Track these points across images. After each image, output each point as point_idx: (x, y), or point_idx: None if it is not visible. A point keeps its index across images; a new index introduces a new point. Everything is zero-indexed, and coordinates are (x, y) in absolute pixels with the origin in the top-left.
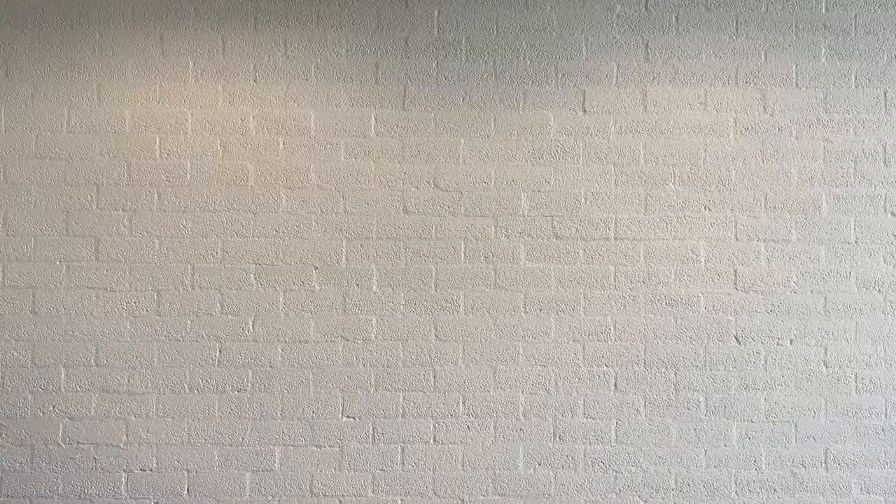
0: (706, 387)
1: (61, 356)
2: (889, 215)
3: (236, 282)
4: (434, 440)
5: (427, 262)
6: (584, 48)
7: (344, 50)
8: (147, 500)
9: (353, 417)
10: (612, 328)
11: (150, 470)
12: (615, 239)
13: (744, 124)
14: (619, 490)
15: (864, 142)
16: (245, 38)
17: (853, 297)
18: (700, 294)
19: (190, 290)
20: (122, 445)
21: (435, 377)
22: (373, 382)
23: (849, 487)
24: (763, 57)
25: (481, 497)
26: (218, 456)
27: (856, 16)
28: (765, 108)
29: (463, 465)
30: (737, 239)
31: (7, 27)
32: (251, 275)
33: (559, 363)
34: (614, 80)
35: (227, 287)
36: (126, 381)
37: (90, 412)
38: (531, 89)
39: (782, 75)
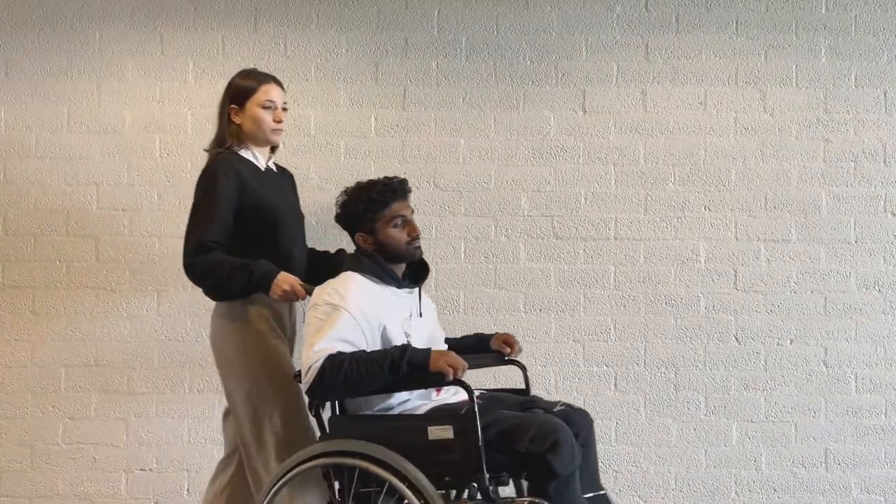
0: (706, 387)
1: (61, 356)
2: (889, 215)
3: None
4: None
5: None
6: (584, 48)
7: (344, 50)
8: (147, 500)
9: None
10: (612, 328)
11: (150, 470)
12: (615, 239)
13: (744, 124)
14: (619, 490)
15: (864, 142)
16: (245, 38)
17: (853, 297)
18: (700, 294)
19: (190, 290)
20: (122, 445)
21: None
22: None
23: (849, 487)
24: (763, 57)
25: None
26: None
27: (856, 16)
28: (765, 108)
29: None
30: (737, 239)
31: (7, 27)
32: None
33: (559, 363)
34: (614, 80)
35: None
36: (126, 381)
37: (90, 412)
38: (531, 89)
39: (782, 75)
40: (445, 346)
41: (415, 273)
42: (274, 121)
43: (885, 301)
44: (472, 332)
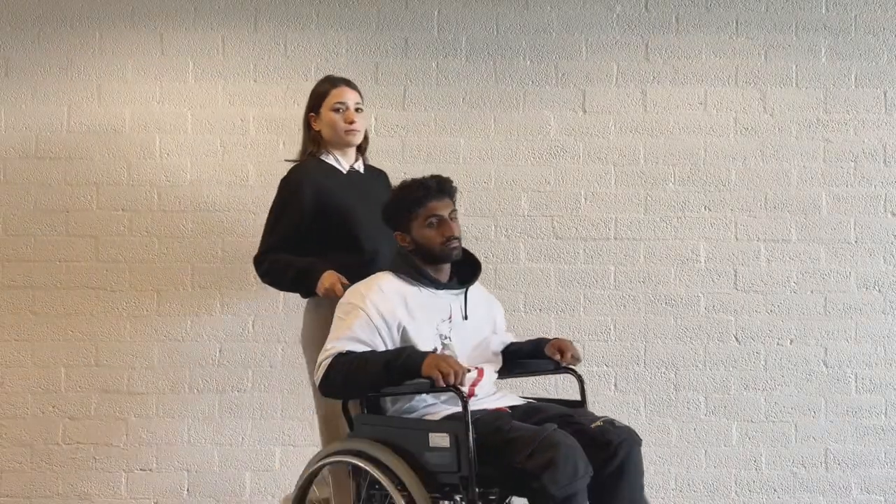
0: (706, 387)
1: (61, 356)
2: (889, 215)
3: (236, 282)
4: None
5: None
6: (584, 48)
7: (344, 50)
8: (147, 500)
9: None
10: (612, 328)
11: (150, 470)
12: (615, 239)
13: (744, 124)
14: None
15: (864, 142)
16: (245, 38)
17: (853, 297)
18: (700, 294)
19: (190, 290)
20: (122, 445)
21: None
22: None
23: (849, 487)
24: (763, 57)
25: None
26: (218, 456)
27: (856, 16)
28: (765, 108)
29: None
30: (737, 239)
31: (7, 27)
32: (251, 275)
33: None
34: (614, 80)
35: (227, 287)
36: (126, 381)
37: (90, 412)
38: (531, 89)
39: (782, 75)
40: (497, 351)
41: (465, 274)
42: (345, 122)
43: (885, 301)
44: None
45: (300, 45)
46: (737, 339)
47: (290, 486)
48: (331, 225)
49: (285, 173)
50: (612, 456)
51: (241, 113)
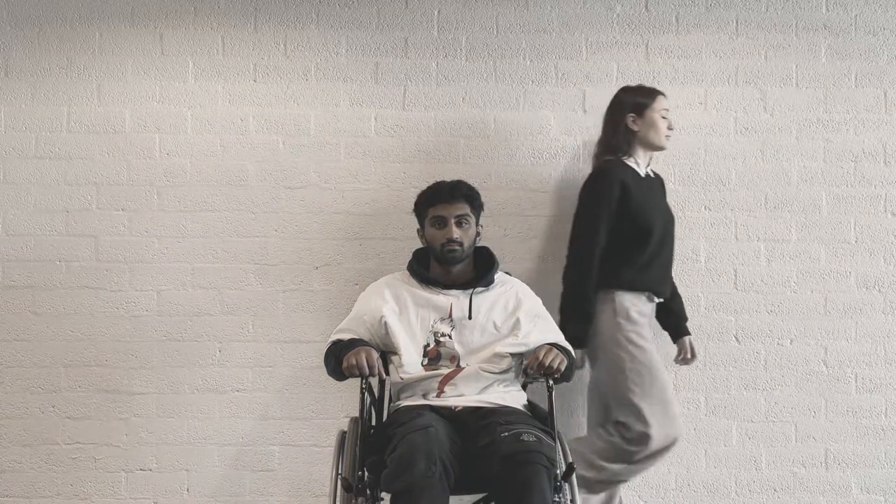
0: (706, 387)
1: (61, 356)
2: (889, 215)
3: (236, 282)
4: None
5: None
6: (584, 48)
7: (344, 50)
8: (147, 500)
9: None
10: None
11: (150, 470)
12: None
13: (744, 124)
14: (619, 490)
15: (864, 142)
16: (245, 38)
17: (853, 297)
18: (700, 294)
19: (190, 290)
20: (122, 445)
21: None
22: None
23: (849, 487)
24: (763, 57)
25: None
26: (218, 456)
27: (856, 16)
28: (765, 108)
29: None
30: (737, 239)
31: (7, 27)
32: (251, 275)
33: None
34: (614, 80)
35: (227, 287)
36: (126, 381)
37: (90, 412)
38: (531, 89)
39: (782, 75)
40: (503, 353)
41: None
42: (668, 128)
43: (885, 301)
44: None
45: (300, 45)
46: (737, 339)
47: (290, 485)
48: (631, 228)
49: (595, 170)
50: (507, 467)
51: (241, 113)
